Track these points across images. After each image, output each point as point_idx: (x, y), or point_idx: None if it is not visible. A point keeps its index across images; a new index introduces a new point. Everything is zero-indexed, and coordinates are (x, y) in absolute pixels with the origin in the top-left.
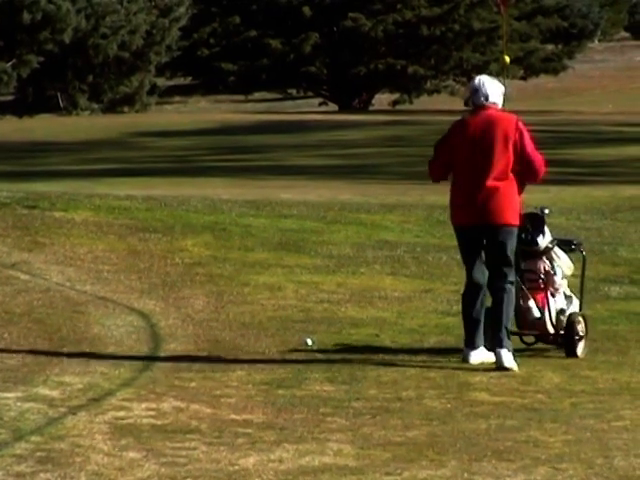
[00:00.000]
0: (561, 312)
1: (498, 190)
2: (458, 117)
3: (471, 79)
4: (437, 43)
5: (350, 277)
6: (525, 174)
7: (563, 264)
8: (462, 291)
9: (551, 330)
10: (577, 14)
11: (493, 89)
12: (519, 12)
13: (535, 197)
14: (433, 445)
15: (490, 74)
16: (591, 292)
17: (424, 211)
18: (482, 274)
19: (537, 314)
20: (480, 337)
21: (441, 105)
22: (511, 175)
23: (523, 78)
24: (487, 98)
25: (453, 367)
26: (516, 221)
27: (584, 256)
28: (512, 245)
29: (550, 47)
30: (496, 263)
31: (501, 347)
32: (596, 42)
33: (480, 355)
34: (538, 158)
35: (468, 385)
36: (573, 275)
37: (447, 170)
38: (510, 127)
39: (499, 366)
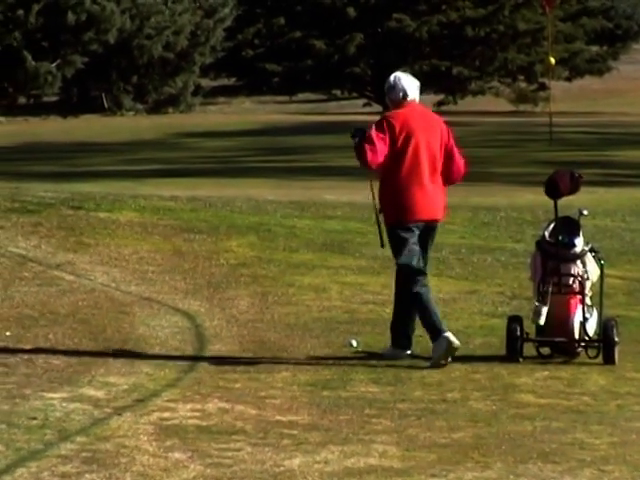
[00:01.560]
0: (585, 320)
1: (440, 187)
2: (501, 119)
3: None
4: (482, 44)
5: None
6: (449, 174)
7: (592, 269)
8: (414, 289)
9: (577, 336)
10: (622, 15)
11: (410, 85)
12: (564, 13)
13: (580, 198)
14: (478, 447)
15: (535, 75)
16: (636, 294)
17: (468, 212)
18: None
19: (572, 319)
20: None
21: (486, 106)
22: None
23: (568, 79)
24: (405, 94)
25: (498, 369)
26: None
27: (602, 264)
28: None
29: (595, 48)
30: (425, 258)
31: (446, 330)
32: None
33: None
34: (462, 159)
35: (513, 387)
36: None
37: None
38: (441, 124)
39: (455, 347)
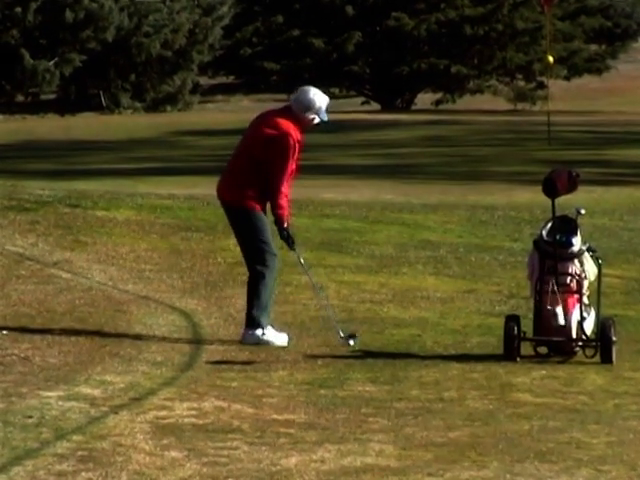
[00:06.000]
0: (582, 319)
1: (237, 175)
2: (499, 117)
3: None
4: (480, 43)
5: (392, 277)
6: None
7: (590, 269)
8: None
9: (574, 336)
10: (621, 14)
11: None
12: (563, 12)
13: (578, 197)
14: (475, 446)
15: (533, 73)
16: (634, 293)
17: (466, 211)
18: None
19: (570, 318)
20: None
21: (484, 105)
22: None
23: (566, 78)
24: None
25: (495, 368)
26: None
27: (600, 264)
28: None
29: (593, 47)
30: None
31: None
32: None
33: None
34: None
35: (510, 386)
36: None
37: None
38: (267, 135)
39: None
